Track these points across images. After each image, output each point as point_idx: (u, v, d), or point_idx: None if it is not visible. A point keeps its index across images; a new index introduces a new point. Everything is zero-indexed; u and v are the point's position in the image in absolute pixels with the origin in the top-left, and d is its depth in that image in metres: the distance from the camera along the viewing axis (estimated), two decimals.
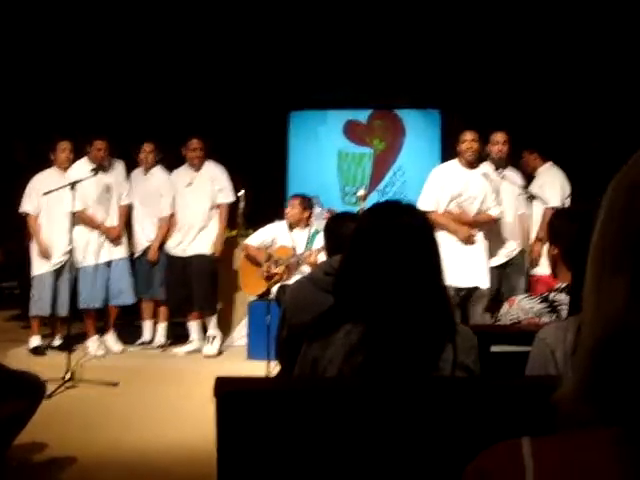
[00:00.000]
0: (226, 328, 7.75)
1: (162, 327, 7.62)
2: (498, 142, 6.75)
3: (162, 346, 7.52)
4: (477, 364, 2.11)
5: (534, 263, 6.65)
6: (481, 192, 6.45)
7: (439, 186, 6.52)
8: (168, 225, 7.49)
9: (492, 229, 6.57)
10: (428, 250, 2.15)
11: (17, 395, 3.93)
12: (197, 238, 7.37)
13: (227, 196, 7.49)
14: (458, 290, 6.20)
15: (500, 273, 6.67)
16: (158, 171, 7.60)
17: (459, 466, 0.94)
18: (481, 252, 6.41)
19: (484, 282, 6.34)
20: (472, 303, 6.33)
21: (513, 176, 6.75)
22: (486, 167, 6.59)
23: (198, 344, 7.37)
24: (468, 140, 6.43)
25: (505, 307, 3.00)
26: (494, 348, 2.58)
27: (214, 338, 7.35)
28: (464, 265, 6.22)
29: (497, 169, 6.62)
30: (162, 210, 7.49)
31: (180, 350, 7.32)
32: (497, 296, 6.46)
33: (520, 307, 2.91)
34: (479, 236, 6.41)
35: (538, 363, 2.11)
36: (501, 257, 6.70)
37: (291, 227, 7.14)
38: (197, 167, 7.51)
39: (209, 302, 7.38)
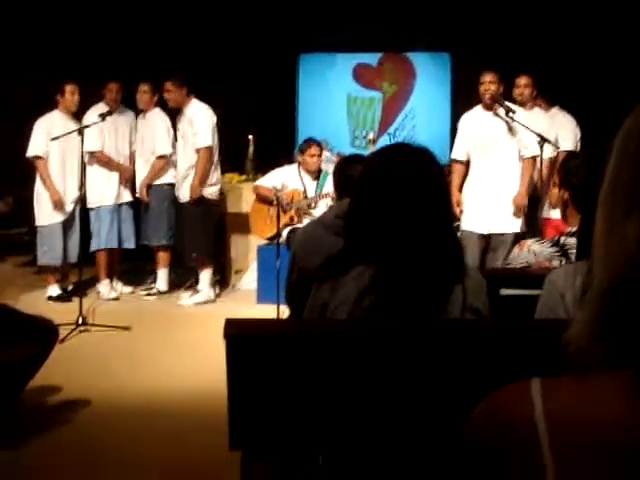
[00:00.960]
0: (236, 271, 7.78)
1: (162, 273, 7.48)
2: (519, 85, 6.75)
3: (161, 292, 7.42)
4: (486, 307, 2.11)
5: (552, 207, 6.58)
6: (498, 133, 6.43)
7: (466, 135, 6.60)
8: (163, 164, 7.32)
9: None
10: (437, 192, 2.13)
11: (31, 339, 3.97)
12: (183, 184, 7.15)
13: (201, 140, 7.02)
14: (484, 236, 6.25)
15: None
16: (156, 113, 7.50)
17: (468, 408, 0.94)
18: (510, 197, 6.39)
19: (509, 227, 6.36)
20: (493, 249, 6.35)
21: (523, 118, 6.64)
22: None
23: (207, 294, 7.20)
24: (485, 82, 6.42)
25: (515, 251, 2.99)
26: (504, 291, 2.58)
27: (196, 292, 7.19)
28: (492, 211, 6.27)
29: (507, 113, 6.53)
30: (157, 148, 7.33)
31: (187, 302, 7.16)
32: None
33: (530, 251, 2.90)
34: (510, 181, 6.38)
35: (547, 306, 2.11)
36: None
37: (308, 172, 7.08)
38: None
39: (199, 250, 7.13)
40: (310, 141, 7.14)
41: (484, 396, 0.92)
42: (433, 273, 2.02)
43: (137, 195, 7.49)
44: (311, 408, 1.82)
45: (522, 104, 6.69)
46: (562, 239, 2.85)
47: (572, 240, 2.81)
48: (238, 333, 1.82)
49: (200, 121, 7.05)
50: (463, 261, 2.12)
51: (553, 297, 2.10)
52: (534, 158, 6.36)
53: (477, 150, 6.51)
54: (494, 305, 2.18)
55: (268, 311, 5.89)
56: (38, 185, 7.21)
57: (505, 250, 6.26)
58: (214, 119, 7.16)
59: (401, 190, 2.08)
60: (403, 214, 2.06)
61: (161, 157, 7.31)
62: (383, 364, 1.80)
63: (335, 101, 9.89)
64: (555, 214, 6.20)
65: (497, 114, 6.44)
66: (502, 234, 6.34)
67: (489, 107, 6.45)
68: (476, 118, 6.57)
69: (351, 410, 1.82)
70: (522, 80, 6.77)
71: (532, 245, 2.93)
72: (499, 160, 6.43)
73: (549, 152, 6.48)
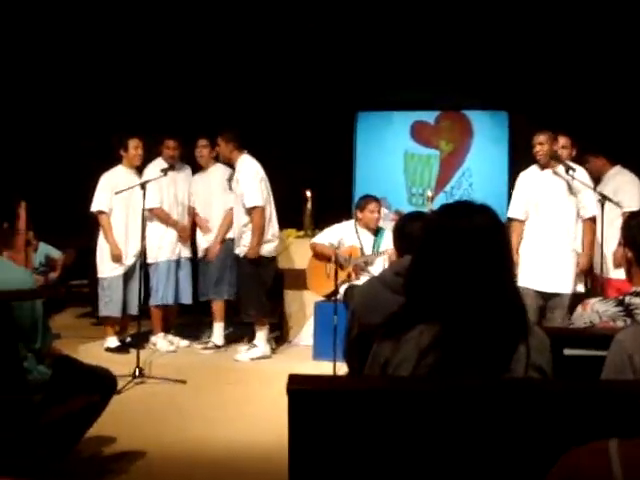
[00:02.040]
0: (294, 328, 7.79)
1: (218, 327, 7.49)
2: (564, 146, 6.68)
3: (217, 347, 7.42)
4: (550, 365, 2.08)
5: (616, 266, 6.49)
6: (555, 192, 6.41)
7: (523, 194, 6.57)
8: (229, 220, 7.39)
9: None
10: (499, 250, 2.12)
11: (89, 389, 4.00)
12: (240, 240, 7.15)
13: (249, 200, 6.96)
14: (540, 293, 6.19)
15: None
16: (216, 167, 7.61)
17: (532, 468, 0.93)
18: (567, 257, 6.34)
19: (566, 287, 6.29)
20: (550, 308, 6.28)
21: (584, 176, 6.60)
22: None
23: (263, 350, 7.15)
24: (536, 143, 6.43)
25: (578, 310, 2.95)
26: (567, 351, 2.54)
27: (252, 347, 7.14)
28: (548, 269, 6.22)
29: (567, 171, 6.50)
30: (226, 203, 7.43)
31: (244, 357, 7.08)
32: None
33: (594, 310, 2.86)
34: (567, 240, 6.35)
35: (615, 367, 2.08)
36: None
37: (366, 228, 7.09)
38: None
39: (254, 306, 7.11)
40: (368, 197, 7.15)
41: (549, 457, 0.91)
42: (497, 331, 2.00)
43: (200, 253, 7.59)
44: (373, 466, 1.80)
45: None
46: (627, 299, 2.80)
47: (637, 300, 2.77)
48: (301, 388, 1.81)
49: (245, 180, 7.01)
50: (526, 319, 2.09)
51: (621, 358, 2.06)
52: (594, 218, 6.31)
53: (534, 209, 6.48)
54: (557, 365, 2.15)
55: (324, 367, 5.87)
56: (101, 238, 7.33)
57: (563, 311, 6.19)
58: (260, 175, 7.10)
59: (463, 248, 2.08)
60: (465, 272, 2.05)
61: (228, 212, 7.41)
62: (446, 422, 1.78)
63: (392, 158, 9.95)
64: (616, 274, 6.13)
65: (556, 172, 6.42)
66: (559, 294, 6.26)
67: (545, 166, 6.44)
68: (533, 177, 6.55)
69: (414, 469, 1.80)
70: (562, 140, 6.68)
71: (596, 304, 2.89)
72: (556, 219, 6.39)
73: (611, 211, 6.40)
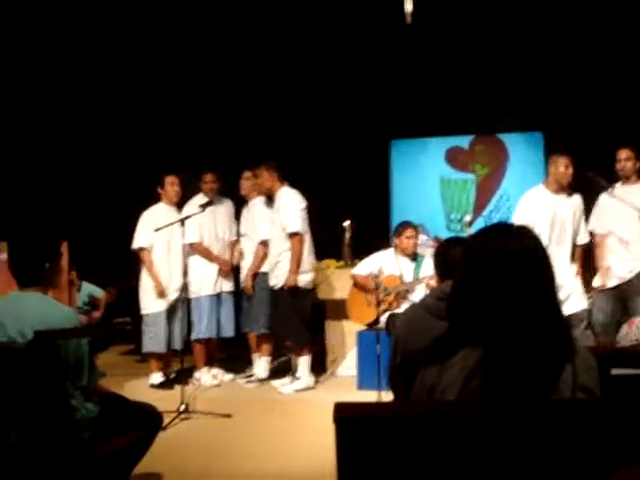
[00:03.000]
0: (336, 358, 7.77)
1: (264, 361, 7.51)
2: (620, 159, 6.62)
3: (261, 380, 7.41)
4: (597, 386, 2.06)
5: None
6: (567, 216, 6.56)
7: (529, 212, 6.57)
8: (263, 253, 7.42)
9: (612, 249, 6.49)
10: (541, 272, 2.11)
11: (135, 426, 4.03)
12: (275, 271, 7.18)
13: (290, 226, 7.02)
14: None
15: (617, 294, 6.52)
16: (259, 200, 7.63)
17: None
18: (569, 275, 6.38)
19: (579, 305, 6.34)
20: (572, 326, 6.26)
21: (629, 193, 6.54)
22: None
23: (307, 381, 7.16)
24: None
25: (624, 329, 2.93)
26: (615, 371, 2.51)
27: (296, 380, 7.15)
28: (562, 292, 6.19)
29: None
30: (259, 235, 7.46)
31: (287, 389, 7.10)
32: (618, 318, 6.34)
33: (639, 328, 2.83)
34: (565, 259, 6.35)
35: None
36: (615, 279, 6.54)
37: (405, 255, 7.07)
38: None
39: (293, 337, 7.14)
40: (405, 224, 7.17)
41: (599, 477, 0.90)
42: (542, 353, 1.99)
43: (242, 285, 7.60)
44: None
45: (626, 178, 6.58)
46: None
47: None
48: (348, 416, 1.81)
49: (287, 207, 7.06)
50: (572, 340, 2.08)
51: None
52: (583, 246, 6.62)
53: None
54: (605, 385, 2.12)
55: (369, 397, 5.86)
56: (144, 275, 7.42)
57: (583, 325, 6.20)
58: (302, 205, 7.14)
59: (504, 270, 2.07)
60: (507, 294, 2.05)
61: (261, 244, 7.42)
62: (495, 445, 1.76)
63: (428, 185, 9.95)
64: None
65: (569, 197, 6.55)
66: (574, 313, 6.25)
67: (556, 191, 6.54)
68: (548, 199, 6.58)
69: None
70: (623, 154, 6.62)
71: None
72: (568, 242, 6.51)
73: None
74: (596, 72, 8.48)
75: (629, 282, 6.49)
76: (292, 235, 7.01)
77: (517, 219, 6.54)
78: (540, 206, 6.52)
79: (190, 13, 7.46)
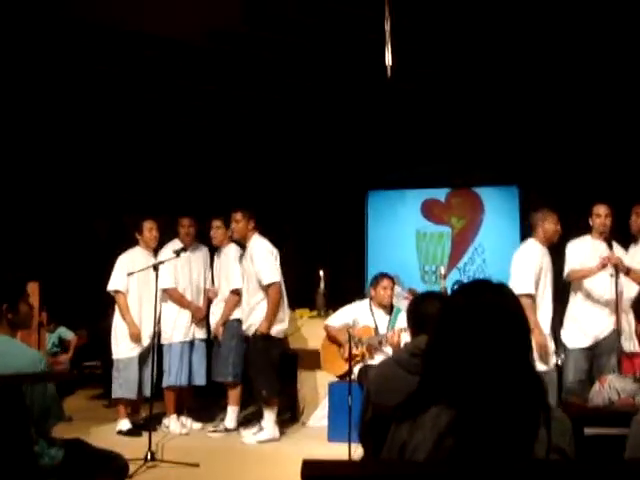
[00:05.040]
0: (306, 409, 7.70)
1: (231, 410, 7.36)
2: (600, 215, 6.60)
3: (228, 430, 7.28)
4: (572, 448, 2.03)
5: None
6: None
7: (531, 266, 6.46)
8: (237, 299, 7.34)
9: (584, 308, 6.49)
10: (519, 330, 2.09)
11: (101, 473, 3.94)
12: (249, 320, 7.14)
13: (266, 277, 6.97)
14: None
15: (590, 353, 6.52)
16: (231, 248, 7.55)
17: None
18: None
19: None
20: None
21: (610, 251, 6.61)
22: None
23: (272, 433, 7.03)
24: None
25: (596, 387, 2.92)
26: (588, 430, 2.49)
27: (260, 430, 7.03)
28: None
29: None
30: (231, 283, 7.37)
31: (250, 440, 6.98)
32: (588, 377, 6.34)
33: (612, 387, 2.82)
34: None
35: (638, 449, 2.02)
36: (589, 338, 6.55)
37: (380, 307, 7.04)
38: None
39: (267, 386, 7.00)
40: (382, 275, 7.14)
41: None
42: (517, 415, 1.96)
43: (213, 333, 7.53)
44: None
45: (601, 234, 6.57)
46: None
47: None
48: (316, 475, 1.77)
49: (260, 258, 7.03)
50: (547, 402, 2.05)
51: None
52: None
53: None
54: (578, 445, 2.10)
55: (339, 449, 5.78)
56: (117, 319, 7.33)
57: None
58: (275, 254, 7.12)
59: (480, 326, 2.05)
60: (482, 352, 2.02)
61: (233, 292, 7.35)
62: None
63: (404, 237, 9.98)
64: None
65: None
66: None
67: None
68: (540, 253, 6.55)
69: None
70: (601, 209, 6.61)
71: (613, 380, 2.85)
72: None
73: None
74: (571, 127, 8.59)
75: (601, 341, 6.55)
76: (269, 285, 6.96)
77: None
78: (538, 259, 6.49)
79: (171, 59, 7.48)
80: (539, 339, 6.07)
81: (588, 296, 6.59)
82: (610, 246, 6.45)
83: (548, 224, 6.47)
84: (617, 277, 6.27)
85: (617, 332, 6.43)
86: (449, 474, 1.79)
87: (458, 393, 2.00)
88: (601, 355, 6.55)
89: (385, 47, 5.44)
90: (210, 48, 7.21)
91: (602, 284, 6.48)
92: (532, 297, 6.33)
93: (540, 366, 6.05)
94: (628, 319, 6.17)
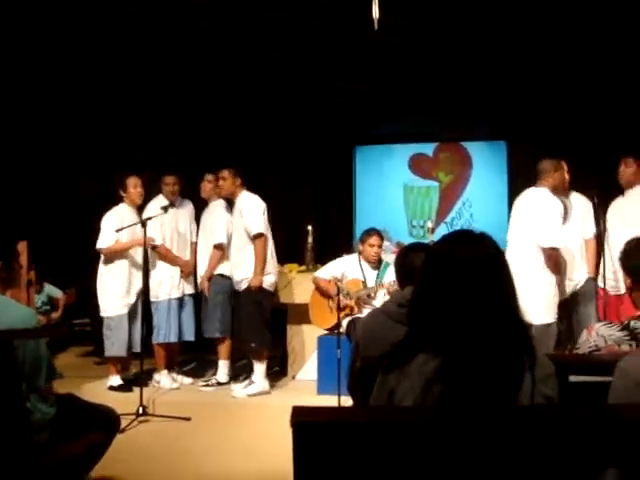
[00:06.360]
0: (296, 362, 7.75)
1: (222, 365, 7.42)
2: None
3: (220, 384, 7.33)
4: (556, 393, 2.06)
5: None
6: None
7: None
8: (219, 254, 7.36)
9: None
10: (501, 279, 2.12)
11: (92, 428, 3.97)
12: (237, 273, 7.16)
13: (253, 228, 6.99)
14: None
15: (569, 303, 6.58)
16: (218, 203, 7.56)
17: None
18: (535, 286, 6.07)
19: (536, 318, 5.85)
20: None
21: (578, 200, 6.73)
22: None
23: (262, 385, 7.07)
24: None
25: (584, 335, 2.95)
26: (572, 378, 2.53)
27: (250, 384, 7.06)
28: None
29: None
30: (215, 238, 7.39)
31: (240, 393, 7.02)
32: (568, 327, 6.40)
33: (599, 334, 2.86)
34: (537, 269, 6.21)
35: (621, 395, 2.06)
36: (569, 289, 6.62)
37: (368, 262, 7.07)
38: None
39: (257, 339, 7.02)
40: (371, 231, 7.13)
41: None
42: (502, 361, 1.99)
43: (198, 287, 7.55)
44: None
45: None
46: (632, 323, 2.80)
47: None
48: (305, 420, 1.80)
49: (249, 210, 7.06)
50: (532, 348, 2.08)
51: (626, 386, 2.04)
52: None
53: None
54: (563, 392, 2.13)
55: (329, 402, 5.83)
56: (104, 276, 7.31)
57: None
58: (263, 207, 7.14)
59: (463, 276, 2.07)
60: (466, 300, 2.05)
61: (217, 247, 7.37)
62: (454, 452, 1.76)
63: (392, 191, 9.99)
64: None
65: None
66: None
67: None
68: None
69: None
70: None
71: (601, 329, 2.89)
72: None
73: None
74: (561, 83, 8.57)
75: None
76: (256, 237, 6.99)
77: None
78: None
79: (161, 17, 7.40)
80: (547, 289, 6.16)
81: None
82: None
83: (559, 174, 6.41)
84: (601, 224, 6.35)
85: (593, 279, 6.62)
86: (437, 419, 1.82)
87: (444, 341, 2.03)
88: (579, 304, 6.64)
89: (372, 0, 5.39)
90: (201, 4, 7.14)
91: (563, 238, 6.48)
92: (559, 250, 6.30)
93: (546, 318, 6.11)
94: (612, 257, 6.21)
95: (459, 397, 1.96)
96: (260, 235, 7.00)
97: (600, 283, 6.53)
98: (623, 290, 6.06)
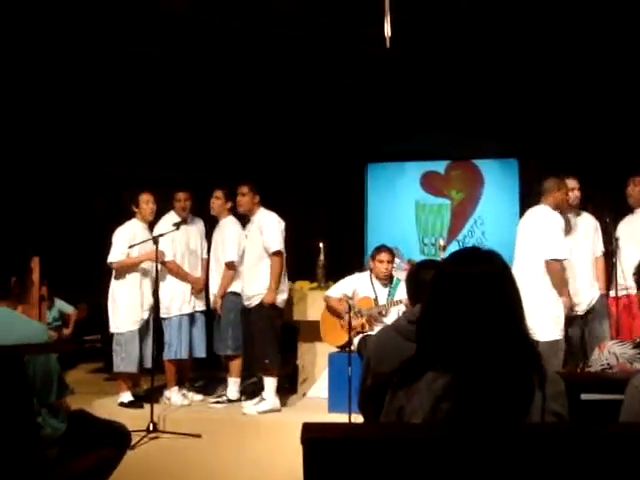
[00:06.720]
0: (307, 379, 7.73)
1: (232, 382, 7.42)
2: (573, 188, 6.72)
3: (230, 401, 7.32)
4: (566, 410, 2.05)
5: None
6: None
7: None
8: (232, 273, 7.37)
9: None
10: (508, 296, 2.11)
11: (103, 444, 3.97)
12: (250, 291, 7.14)
13: (273, 245, 7.01)
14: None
15: (582, 321, 6.58)
16: (228, 220, 7.58)
17: None
18: (541, 303, 6.09)
19: (542, 335, 5.78)
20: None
21: (587, 220, 6.83)
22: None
23: (273, 403, 7.04)
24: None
25: (596, 353, 2.94)
26: (584, 396, 2.51)
27: (261, 401, 7.04)
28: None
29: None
30: (226, 256, 7.40)
31: (251, 410, 6.99)
32: (581, 344, 6.39)
33: (611, 352, 2.85)
34: (543, 286, 6.23)
35: (632, 412, 2.05)
36: (582, 306, 6.61)
37: (378, 279, 7.06)
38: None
39: (269, 356, 7.00)
40: (382, 247, 7.14)
41: None
42: (511, 379, 1.99)
43: (211, 305, 7.55)
44: None
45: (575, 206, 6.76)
46: None
47: None
48: (315, 437, 1.80)
49: (270, 228, 7.08)
50: (541, 365, 2.07)
51: (638, 404, 2.03)
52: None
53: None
54: (574, 410, 2.12)
55: (340, 420, 5.80)
56: (114, 292, 7.33)
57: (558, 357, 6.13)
58: (282, 225, 7.17)
59: (470, 294, 2.07)
60: (473, 318, 2.05)
61: (228, 265, 7.38)
62: (463, 469, 1.76)
63: (404, 209, 9.99)
64: None
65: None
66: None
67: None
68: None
69: None
70: (573, 182, 6.75)
71: (613, 346, 2.88)
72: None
73: None
74: (572, 101, 8.56)
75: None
76: (274, 254, 7.01)
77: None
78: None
79: (179, 33, 7.43)
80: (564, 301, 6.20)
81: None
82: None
83: (561, 193, 6.46)
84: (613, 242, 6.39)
85: (606, 297, 6.69)
86: (447, 436, 1.81)
87: (453, 358, 2.02)
88: (593, 321, 6.65)
89: (384, 18, 5.41)
90: (213, 22, 7.17)
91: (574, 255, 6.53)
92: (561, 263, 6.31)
93: (552, 334, 6.10)
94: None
95: (468, 414, 1.95)
96: (279, 253, 7.02)
97: (611, 295, 6.60)
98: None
